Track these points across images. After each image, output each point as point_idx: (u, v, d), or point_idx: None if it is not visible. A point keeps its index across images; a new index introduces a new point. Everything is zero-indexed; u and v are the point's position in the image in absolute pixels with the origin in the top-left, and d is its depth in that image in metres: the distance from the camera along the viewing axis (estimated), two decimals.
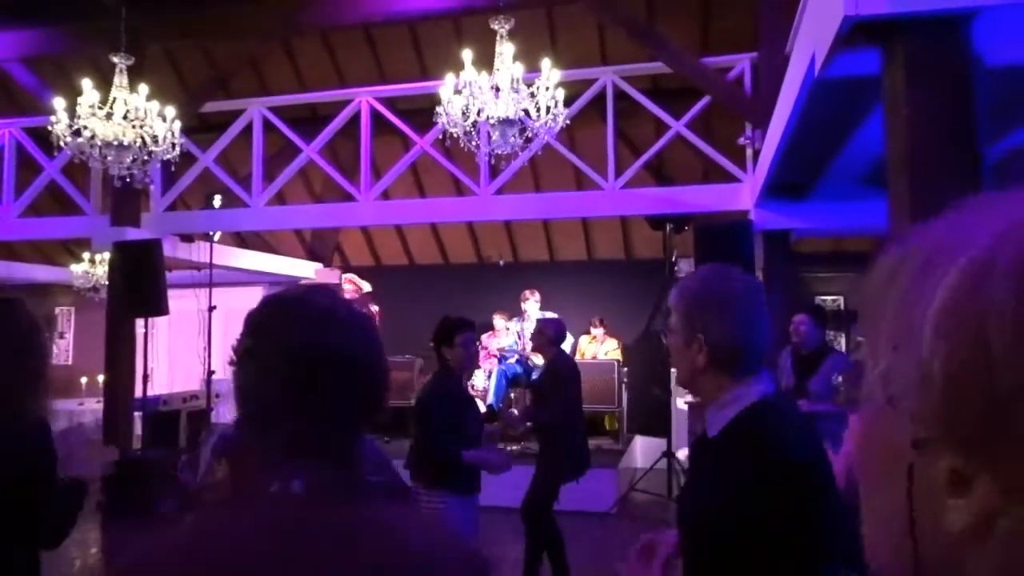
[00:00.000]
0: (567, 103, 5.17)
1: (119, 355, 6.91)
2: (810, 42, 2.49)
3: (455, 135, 4.91)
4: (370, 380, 0.93)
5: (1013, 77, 2.44)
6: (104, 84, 5.30)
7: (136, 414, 7.17)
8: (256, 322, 0.92)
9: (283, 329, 0.90)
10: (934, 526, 0.36)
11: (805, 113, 2.94)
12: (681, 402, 7.53)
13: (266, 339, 0.90)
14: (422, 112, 6.38)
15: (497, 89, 4.82)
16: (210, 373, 6.99)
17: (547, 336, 4.89)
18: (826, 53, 2.09)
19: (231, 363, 0.92)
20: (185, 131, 5.82)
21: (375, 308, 8.79)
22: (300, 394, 0.87)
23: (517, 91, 4.73)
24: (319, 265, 10.82)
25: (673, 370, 7.54)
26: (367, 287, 8.96)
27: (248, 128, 7.20)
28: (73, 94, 5.25)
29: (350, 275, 9.08)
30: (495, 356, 8.72)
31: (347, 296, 8.67)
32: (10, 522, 1.69)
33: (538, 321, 5.23)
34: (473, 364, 4.03)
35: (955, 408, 0.34)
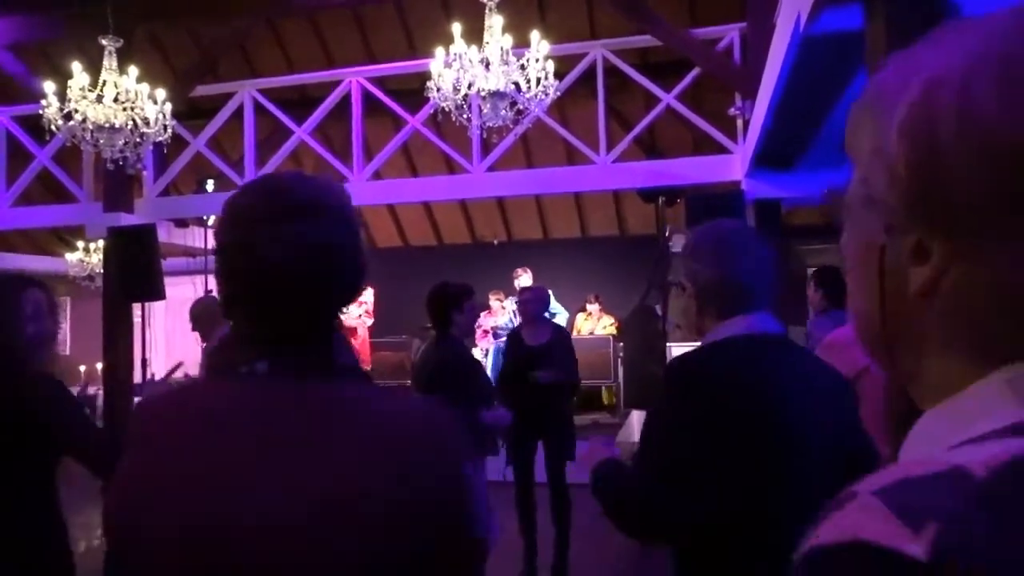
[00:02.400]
0: (557, 78, 5.18)
1: (117, 342, 6.93)
2: (795, 2, 2.52)
3: (447, 109, 4.93)
4: (340, 271, 0.97)
5: None
6: (92, 69, 5.29)
7: (136, 399, 7.21)
8: (225, 218, 0.98)
9: (250, 224, 0.95)
10: (899, 293, 0.46)
11: (793, 74, 2.97)
12: None
13: (230, 235, 0.96)
14: (412, 92, 6.38)
15: (487, 63, 4.83)
16: None
17: (544, 301, 4.87)
18: (810, 8, 2.12)
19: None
20: (175, 116, 5.81)
21: (370, 289, 8.82)
22: (259, 290, 0.94)
23: (507, 63, 4.74)
24: None
25: (669, 344, 7.62)
26: None
27: (239, 112, 7.18)
28: (61, 80, 5.23)
29: None
30: (490, 334, 8.78)
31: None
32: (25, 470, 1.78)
33: (530, 290, 5.08)
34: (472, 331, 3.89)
35: (916, 192, 0.44)
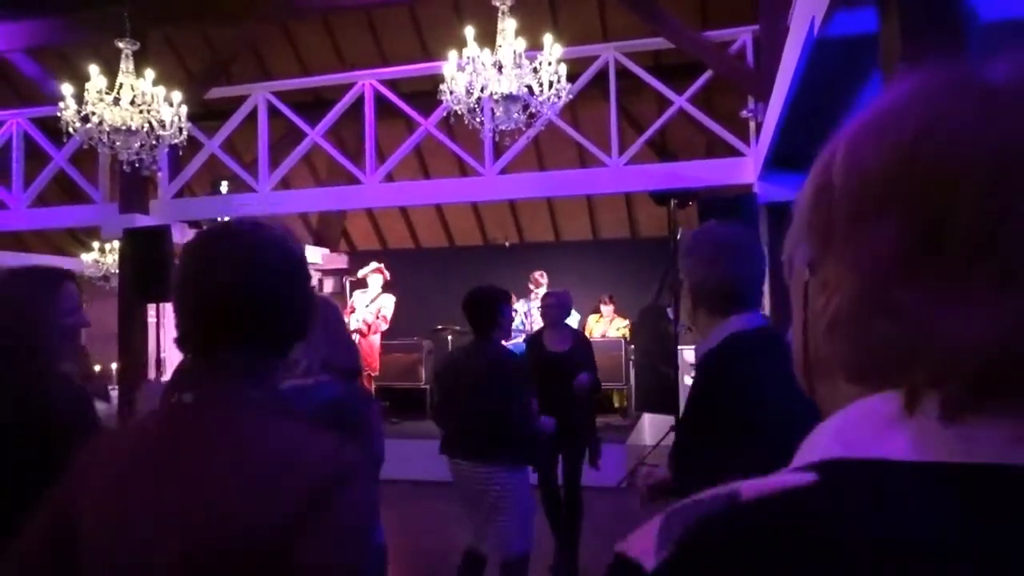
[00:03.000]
0: (569, 81, 5.19)
1: (132, 341, 7.00)
2: (810, 5, 2.52)
3: (459, 112, 4.94)
4: (272, 314, 1.05)
5: (1008, 32, 2.47)
6: (108, 72, 5.34)
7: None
8: (180, 261, 1.07)
9: (198, 269, 1.04)
10: (815, 322, 0.52)
11: (806, 76, 2.97)
12: (688, 379, 7.58)
13: (182, 277, 1.06)
14: (425, 94, 6.41)
15: (500, 66, 4.84)
16: None
17: (567, 307, 4.86)
18: (825, 11, 2.12)
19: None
20: (190, 118, 5.86)
21: (392, 298, 8.76)
22: (200, 325, 1.04)
23: (520, 66, 4.75)
24: (326, 250, 10.89)
25: (680, 347, 7.60)
26: (387, 274, 8.98)
27: (252, 114, 7.24)
28: (77, 83, 5.29)
29: (379, 265, 9.00)
30: None
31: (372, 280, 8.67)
32: (42, 477, 1.77)
33: (554, 295, 5.06)
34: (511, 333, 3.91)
35: (817, 227, 0.50)
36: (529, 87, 4.90)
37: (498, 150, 6.67)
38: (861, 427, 0.45)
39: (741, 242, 1.70)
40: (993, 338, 0.41)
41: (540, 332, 4.97)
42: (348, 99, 7.07)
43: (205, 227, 1.12)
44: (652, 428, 8.24)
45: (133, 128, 4.96)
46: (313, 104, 8.15)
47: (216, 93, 7.35)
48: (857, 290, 0.47)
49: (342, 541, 0.95)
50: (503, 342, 3.74)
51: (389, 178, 7.47)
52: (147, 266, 6.45)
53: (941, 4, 1.90)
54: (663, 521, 0.44)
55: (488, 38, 5.06)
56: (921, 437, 0.42)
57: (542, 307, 5.02)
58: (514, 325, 8.73)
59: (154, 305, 7.01)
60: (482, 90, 4.80)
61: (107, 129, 4.96)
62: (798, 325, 0.54)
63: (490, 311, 3.54)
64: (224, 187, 7.48)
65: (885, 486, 0.41)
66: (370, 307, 8.54)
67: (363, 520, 0.99)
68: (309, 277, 1.12)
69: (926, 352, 0.43)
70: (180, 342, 1.06)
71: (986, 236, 0.42)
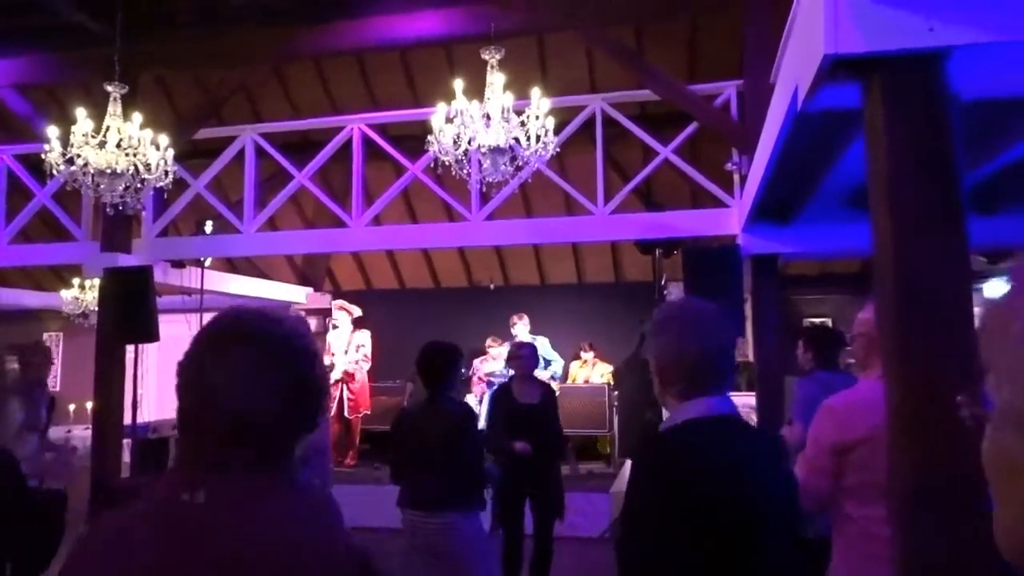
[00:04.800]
0: (557, 130, 5.24)
1: (109, 382, 6.87)
2: (792, 76, 2.56)
3: (447, 163, 4.98)
4: (281, 402, 1.00)
5: (987, 109, 2.53)
6: (97, 112, 5.33)
7: (125, 441, 7.13)
8: (190, 366, 1.02)
9: (205, 364, 1.00)
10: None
11: (789, 144, 3.01)
12: None
13: (190, 370, 1.01)
14: (414, 138, 6.44)
15: (488, 118, 4.89)
16: None
17: (537, 358, 5.03)
18: (808, 88, 2.16)
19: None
20: (177, 157, 5.84)
21: (367, 333, 8.77)
22: (200, 414, 0.99)
23: (508, 120, 4.80)
24: (310, 290, 10.83)
25: None
26: (357, 312, 8.97)
27: (240, 154, 7.23)
28: (66, 122, 5.27)
29: (340, 301, 9.10)
30: (485, 381, 8.72)
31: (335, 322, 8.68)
32: None
33: (527, 346, 5.24)
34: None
35: None
36: (516, 139, 4.95)
37: (485, 196, 6.70)
38: None
39: (708, 318, 1.62)
40: None
41: (509, 384, 5.06)
42: (337, 142, 7.08)
43: (215, 319, 1.05)
44: None
45: (118, 171, 4.93)
46: (302, 146, 8.17)
47: (204, 132, 7.35)
48: None
49: None
50: (469, 385, 3.96)
51: (376, 221, 7.46)
52: (127, 307, 6.37)
53: (923, 84, 1.94)
54: None
55: (478, 88, 5.11)
56: None
57: (516, 359, 5.10)
58: (498, 369, 8.69)
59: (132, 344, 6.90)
60: (469, 142, 4.84)
61: (91, 171, 4.93)
62: (1016, 511, 0.56)
63: (454, 367, 3.67)
64: (209, 227, 7.44)
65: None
66: (348, 352, 8.52)
67: None
68: (315, 357, 1.07)
69: None
70: (179, 431, 1.02)
71: None
